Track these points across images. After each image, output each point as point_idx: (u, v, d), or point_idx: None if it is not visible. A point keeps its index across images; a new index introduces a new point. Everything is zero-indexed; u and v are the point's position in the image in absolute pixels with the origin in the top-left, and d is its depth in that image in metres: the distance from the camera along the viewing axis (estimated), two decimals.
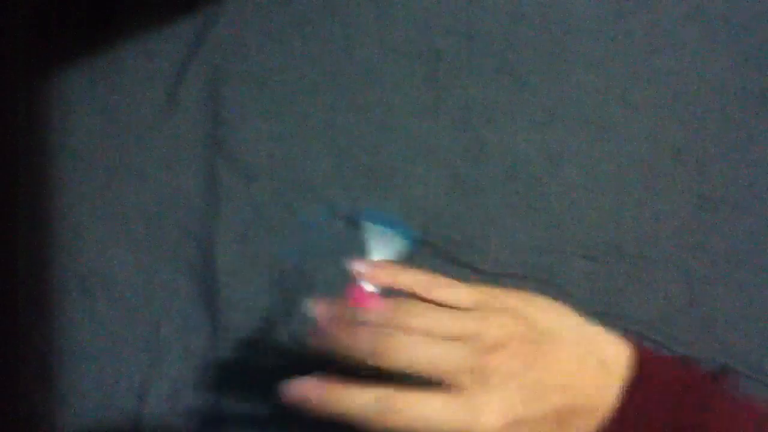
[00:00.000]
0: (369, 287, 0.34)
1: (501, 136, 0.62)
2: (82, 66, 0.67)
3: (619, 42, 0.61)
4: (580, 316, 0.36)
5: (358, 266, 0.34)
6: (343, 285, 0.34)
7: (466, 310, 0.32)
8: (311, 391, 0.30)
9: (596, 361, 0.32)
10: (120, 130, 0.66)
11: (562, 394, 0.30)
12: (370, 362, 0.29)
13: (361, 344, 0.29)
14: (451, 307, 0.33)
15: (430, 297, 0.33)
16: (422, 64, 0.63)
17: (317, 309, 0.33)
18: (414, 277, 0.34)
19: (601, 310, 0.61)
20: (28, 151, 0.67)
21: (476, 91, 0.62)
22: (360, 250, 0.64)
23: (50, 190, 0.66)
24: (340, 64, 0.64)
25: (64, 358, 0.65)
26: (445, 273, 0.62)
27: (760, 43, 0.60)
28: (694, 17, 0.60)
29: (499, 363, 0.28)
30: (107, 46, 0.66)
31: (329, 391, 0.29)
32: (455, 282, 0.35)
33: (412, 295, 0.34)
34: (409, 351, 0.29)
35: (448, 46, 0.63)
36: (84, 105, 0.66)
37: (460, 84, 0.62)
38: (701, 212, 0.59)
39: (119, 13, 0.67)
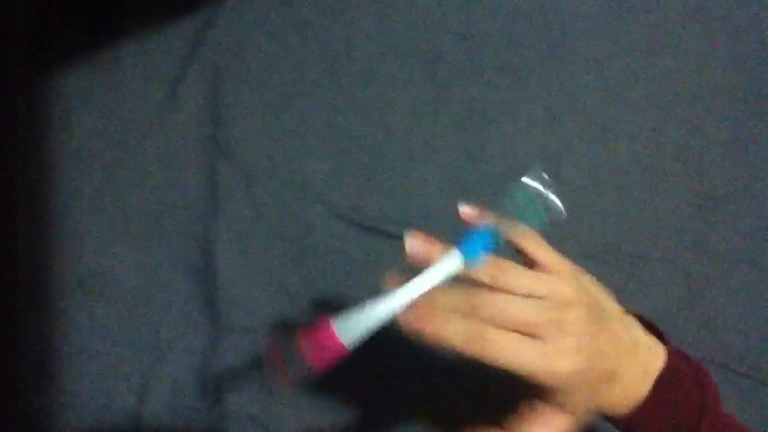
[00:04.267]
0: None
1: (501, 136, 0.62)
2: (82, 66, 0.67)
3: (619, 42, 0.61)
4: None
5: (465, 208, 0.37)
6: None
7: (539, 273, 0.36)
8: (416, 318, 0.34)
9: (631, 341, 0.37)
10: (120, 130, 0.66)
11: (614, 358, 0.34)
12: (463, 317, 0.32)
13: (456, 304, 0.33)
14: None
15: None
16: (422, 64, 0.63)
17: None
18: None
19: None
20: (28, 151, 0.67)
21: (476, 91, 0.62)
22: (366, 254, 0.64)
23: (50, 190, 0.66)
24: (340, 64, 0.64)
25: (64, 358, 0.65)
26: None
27: (760, 43, 0.60)
28: (694, 17, 0.60)
29: (574, 318, 0.32)
30: (107, 46, 0.66)
31: (431, 317, 0.33)
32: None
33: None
34: (498, 305, 0.32)
35: (448, 46, 0.63)
36: (84, 105, 0.66)
37: (460, 84, 0.62)
38: (701, 212, 0.59)
39: (119, 13, 0.67)
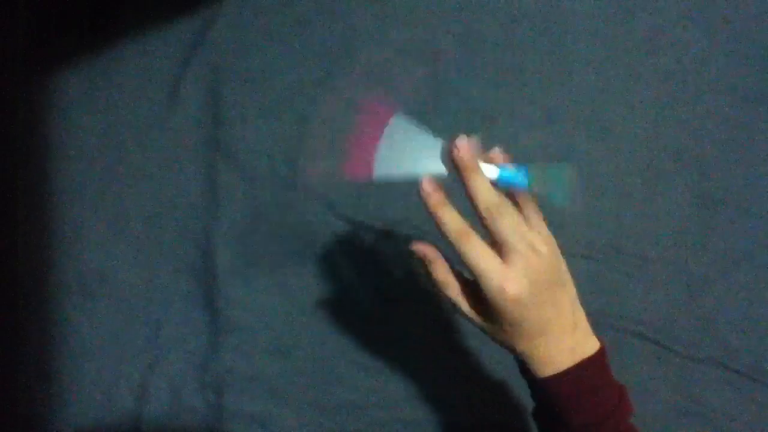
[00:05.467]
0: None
1: (501, 136, 0.62)
2: (82, 66, 0.67)
3: (619, 42, 0.61)
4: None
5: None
6: None
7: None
8: (433, 190, 0.40)
9: (573, 320, 0.41)
10: (120, 130, 0.66)
11: (550, 318, 0.40)
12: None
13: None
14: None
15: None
16: (422, 64, 0.63)
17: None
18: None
19: (601, 310, 0.61)
20: (28, 151, 0.67)
21: (476, 91, 0.62)
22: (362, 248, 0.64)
23: (50, 190, 0.66)
24: (340, 64, 0.64)
25: (64, 358, 0.65)
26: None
27: (760, 43, 0.60)
28: (694, 17, 0.60)
29: (538, 265, 0.39)
30: (107, 46, 0.66)
31: (443, 199, 0.39)
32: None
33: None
34: (501, 218, 0.39)
35: (448, 46, 0.63)
36: (84, 105, 0.66)
37: (460, 84, 0.62)
38: (701, 212, 0.60)
39: (119, 13, 0.67)
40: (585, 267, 0.60)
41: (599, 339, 0.42)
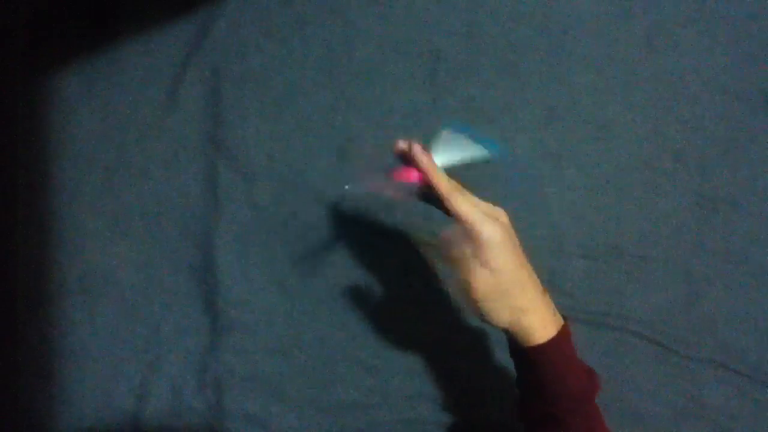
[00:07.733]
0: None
1: (501, 135, 0.62)
2: (82, 66, 0.67)
3: (619, 42, 0.61)
4: None
5: (401, 145, 0.47)
6: None
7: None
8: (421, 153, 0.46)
9: (540, 286, 0.45)
10: (120, 130, 0.66)
11: (526, 275, 0.44)
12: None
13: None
14: None
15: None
16: (422, 64, 0.63)
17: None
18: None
19: (601, 310, 0.61)
20: (28, 151, 0.67)
21: (476, 91, 0.62)
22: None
23: (50, 190, 0.66)
24: (340, 64, 0.64)
25: (64, 358, 0.65)
26: (445, 273, 0.62)
27: (760, 43, 0.60)
28: (694, 17, 0.60)
29: (503, 225, 0.44)
30: (107, 46, 0.66)
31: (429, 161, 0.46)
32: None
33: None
34: (462, 197, 0.45)
35: (448, 46, 0.63)
36: (84, 105, 0.66)
37: (460, 84, 0.62)
38: (701, 212, 0.60)
39: (119, 13, 0.67)
40: (585, 267, 0.60)
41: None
